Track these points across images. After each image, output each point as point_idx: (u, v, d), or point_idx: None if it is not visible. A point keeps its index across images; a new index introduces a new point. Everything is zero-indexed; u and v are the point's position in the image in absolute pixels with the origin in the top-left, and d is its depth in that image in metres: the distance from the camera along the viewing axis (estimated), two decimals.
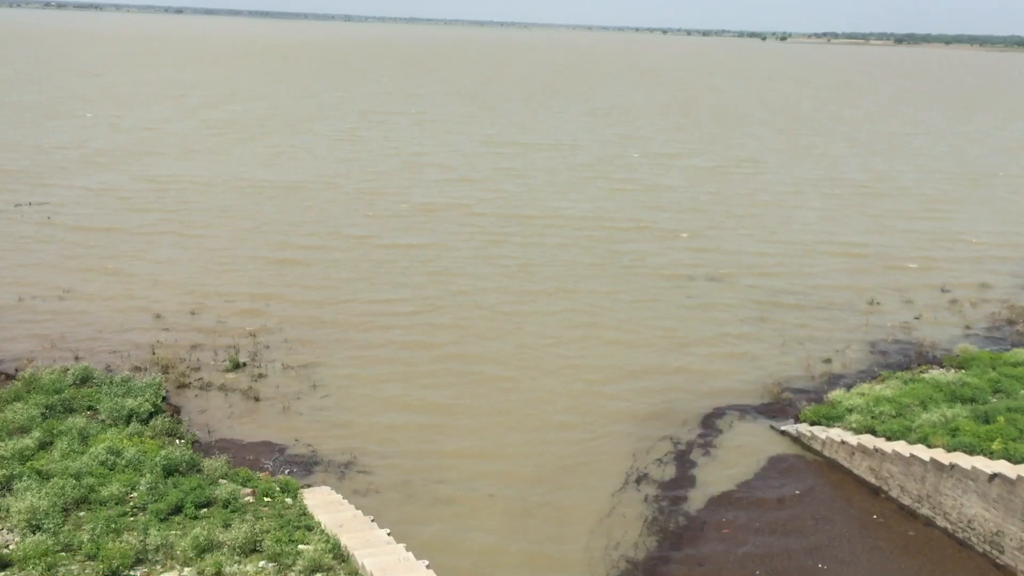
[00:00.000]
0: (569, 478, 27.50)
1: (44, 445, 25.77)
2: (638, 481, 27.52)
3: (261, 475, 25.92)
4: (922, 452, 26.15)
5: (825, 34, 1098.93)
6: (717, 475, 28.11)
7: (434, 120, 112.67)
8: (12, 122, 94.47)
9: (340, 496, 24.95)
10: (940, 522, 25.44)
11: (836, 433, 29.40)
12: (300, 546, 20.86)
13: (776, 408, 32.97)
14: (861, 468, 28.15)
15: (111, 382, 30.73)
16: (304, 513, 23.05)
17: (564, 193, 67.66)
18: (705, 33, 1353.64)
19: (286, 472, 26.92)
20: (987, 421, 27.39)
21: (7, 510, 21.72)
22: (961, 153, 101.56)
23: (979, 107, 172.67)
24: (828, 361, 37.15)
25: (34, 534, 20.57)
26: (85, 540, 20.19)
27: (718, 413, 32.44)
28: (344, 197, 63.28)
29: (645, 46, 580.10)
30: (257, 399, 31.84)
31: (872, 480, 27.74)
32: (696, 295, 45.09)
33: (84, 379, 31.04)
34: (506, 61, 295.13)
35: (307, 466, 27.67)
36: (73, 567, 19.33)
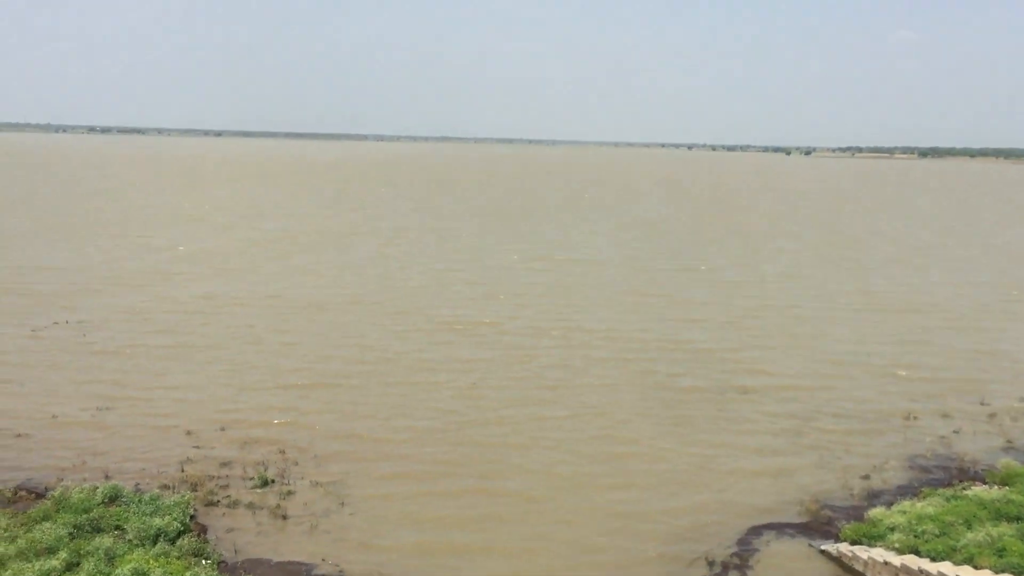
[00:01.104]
0: None
1: (71, 566, 25.63)
2: None
3: None
4: (969, 574, 25.20)
5: (849, 148, 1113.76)
6: None
7: (462, 236, 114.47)
8: (49, 243, 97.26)
9: None
10: None
11: (878, 553, 28.46)
12: None
13: (814, 526, 32.06)
14: None
15: (140, 500, 30.69)
16: None
17: (593, 309, 67.84)
18: (730, 148, 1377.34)
19: None
20: None
21: None
22: (994, 265, 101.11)
23: (1011, 219, 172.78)
24: (867, 477, 36.27)
25: None
26: None
27: (754, 532, 31.58)
28: (372, 314, 63.84)
29: (671, 161, 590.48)
30: (285, 517, 31.53)
31: None
32: (728, 410, 44.54)
33: (113, 497, 31.01)
34: (534, 177, 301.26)
35: None
36: None
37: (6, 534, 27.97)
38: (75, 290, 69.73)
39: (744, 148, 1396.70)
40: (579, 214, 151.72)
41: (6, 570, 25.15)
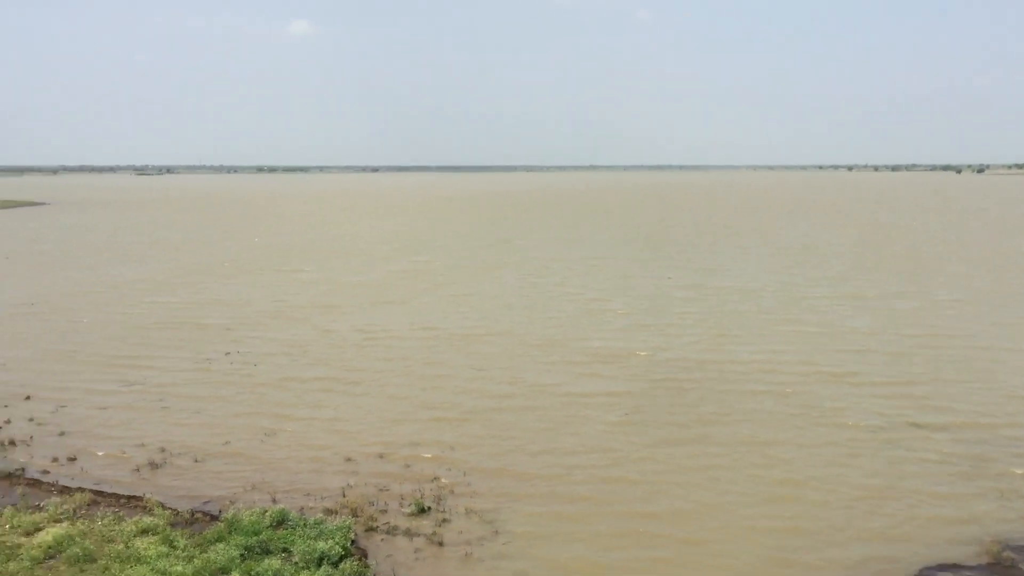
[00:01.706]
0: None
1: None
2: None
3: None
4: None
5: None
6: None
7: (611, 265, 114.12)
8: (219, 278, 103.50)
9: None
10: None
11: None
12: None
13: (997, 570, 29.87)
14: None
15: (304, 524, 31.98)
16: None
17: (749, 339, 65.99)
18: (894, 168, 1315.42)
19: None
20: None
21: None
22: None
23: None
24: None
25: None
26: None
27: (928, 573, 29.71)
28: (522, 345, 64.33)
29: (829, 184, 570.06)
30: (441, 544, 32.08)
31: None
32: (897, 445, 42.24)
33: (280, 521, 32.44)
34: (685, 203, 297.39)
35: None
36: None
37: (184, 554, 29.74)
38: (241, 323, 73.79)
39: (909, 167, 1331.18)
40: (732, 240, 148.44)
41: None
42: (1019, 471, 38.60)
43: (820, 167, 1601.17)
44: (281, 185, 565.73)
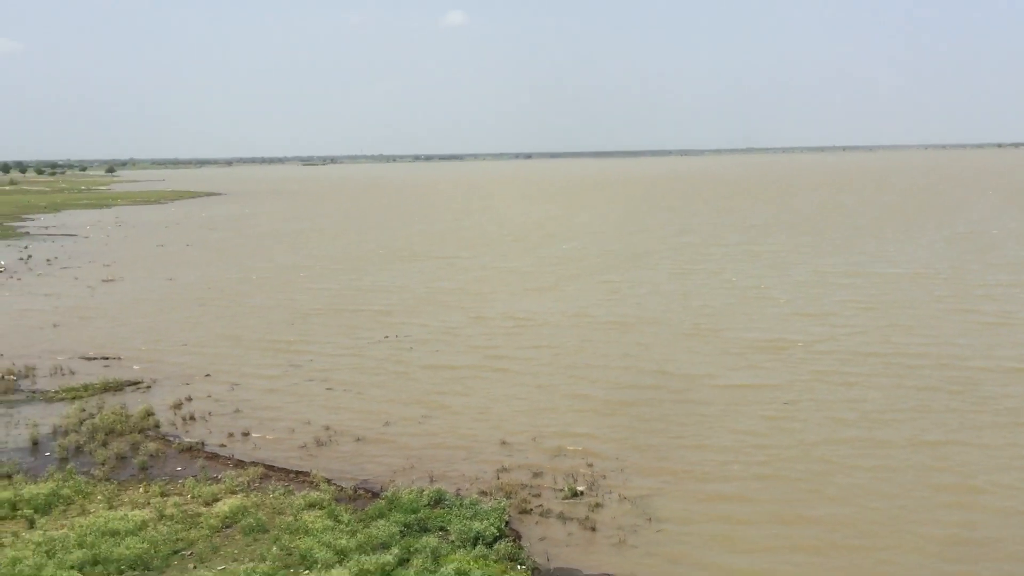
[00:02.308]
0: None
1: (402, 561, 27.88)
2: None
3: None
4: None
5: None
6: None
7: (767, 250, 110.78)
8: (378, 265, 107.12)
9: None
10: None
11: None
12: None
13: None
14: None
15: (460, 504, 32.79)
16: None
17: (919, 329, 62.45)
18: None
19: None
20: None
21: None
22: None
23: None
24: None
25: None
26: None
27: None
28: (674, 333, 63.25)
29: (990, 162, 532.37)
30: (594, 529, 32.16)
31: None
32: None
33: (437, 500, 33.39)
34: (846, 186, 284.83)
35: None
36: None
37: (348, 528, 31.09)
38: (398, 309, 76.16)
39: None
40: (899, 225, 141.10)
41: (349, 560, 27.94)
42: None
43: (999, 145, 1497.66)
44: (436, 173, 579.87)
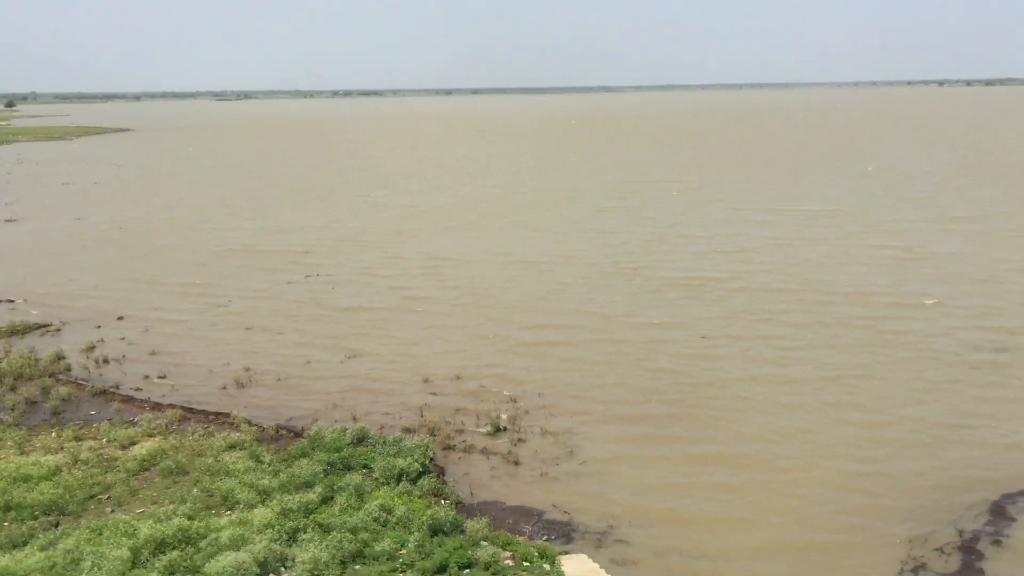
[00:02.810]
0: (837, 560, 25.67)
1: (325, 500, 27.89)
2: (915, 571, 25.16)
3: (520, 539, 26.41)
4: None
5: None
6: (1013, 571, 25.09)
7: (688, 189, 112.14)
8: (297, 204, 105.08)
9: (597, 565, 24.88)
10: None
11: None
12: None
13: None
14: None
15: (384, 442, 32.84)
16: None
17: (831, 266, 64.25)
18: (988, 82, 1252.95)
19: (543, 538, 27.23)
20: None
21: (293, 559, 23.56)
22: None
23: None
24: None
25: None
26: None
27: (1009, 499, 29.12)
28: (596, 272, 63.90)
29: (918, 100, 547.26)
30: (517, 463, 32.62)
31: None
32: (981, 370, 41.13)
33: (360, 439, 33.36)
34: (762, 124, 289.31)
35: (565, 532, 27.83)
36: None
37: (270, 468, 30.90)
38: (318, 249, 75.12)
39: (1004, 82, 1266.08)
40: (816, 163, 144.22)
41: (272, 500, 27.80)
42: None
43: (908, 83, 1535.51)
44: (355, 109, 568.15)
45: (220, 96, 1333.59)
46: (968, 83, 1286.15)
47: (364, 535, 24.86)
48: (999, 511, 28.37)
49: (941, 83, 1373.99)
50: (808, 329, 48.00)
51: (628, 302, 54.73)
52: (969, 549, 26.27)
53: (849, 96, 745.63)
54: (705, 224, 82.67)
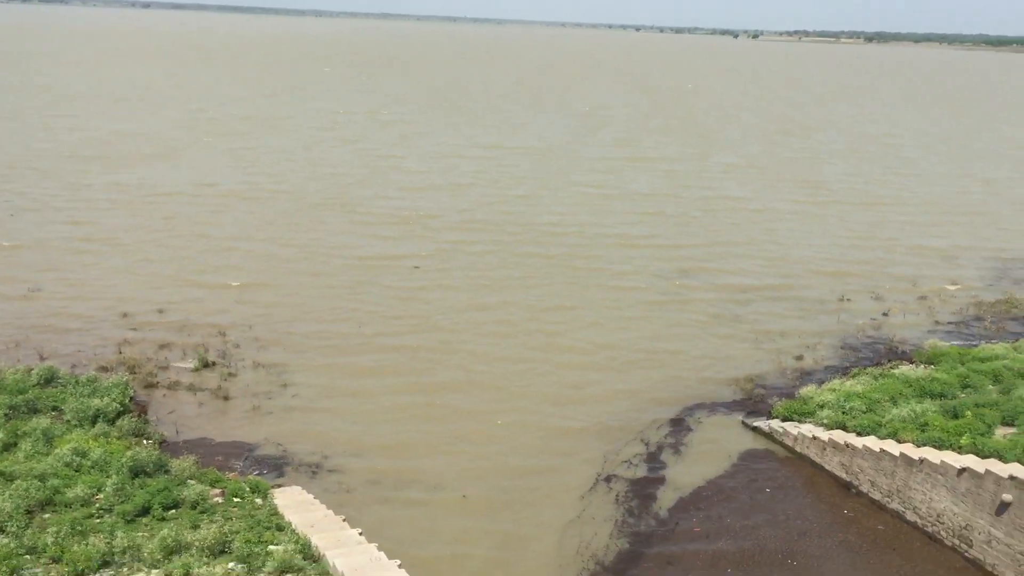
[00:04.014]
0: (539, 480, 27.37)
1: (7, 447, 25.26)
2: (608, 481, 27.45)
3: (230, 475, 25.61)
4: (892, 447, 26.33)
5: (796, 32, 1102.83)
6: (688, 474, 28.14)
7: (402, 122, 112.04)
8: None
9: (311, 496, 24.70)
10: (910, 516, 25.64)
11: (808, 429, 29.56)
12: (270, 547, 20.59)
13: (749, 405, 33.09)
14: (832, 463, 28.31)
15: (76, 382, 30.25)
16: (274, 513, 22.77)
17: (539, 201, 67.11)
18: (678, 30, 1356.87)
19: (256, 473, 26.63)
20: (956, 416, 27.62)
21: None
22: (938, 155, 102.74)
23: (962, 108, 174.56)
24: (800, 358, 37.37)
25: None
26: (49, 543, 19.78)
27: (688, 411, 32.48)
28: (308, 205, 61.77)
29: (619, 43, 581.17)
30: (227, 398, 31.49)
31: (843, 475, 27.91)
32: (669, 295, 45.18)
33: (49, 379, 30.50)
34: (479, 59, 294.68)
35: (278, 466, 27.39)
36: (37, 570, 18.96)
37: None
38: None
39: (692, 30, 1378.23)
40: (525, 102, 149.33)
41: None
42: (773, 318, 42.51)
43: (609, 27, 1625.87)
44: (34, 19, 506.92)
45: None
46: (661, 30, 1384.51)
47: (55, 482, 22.85)
48: (678, 424, 31.52)
49: (638, 28, 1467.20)
50: (514, 263, 49.74)
51: (339, 236, 53.71)
52: (653, 458, 29.05)
53: (558, 34, 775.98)
54: (417, 158, 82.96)
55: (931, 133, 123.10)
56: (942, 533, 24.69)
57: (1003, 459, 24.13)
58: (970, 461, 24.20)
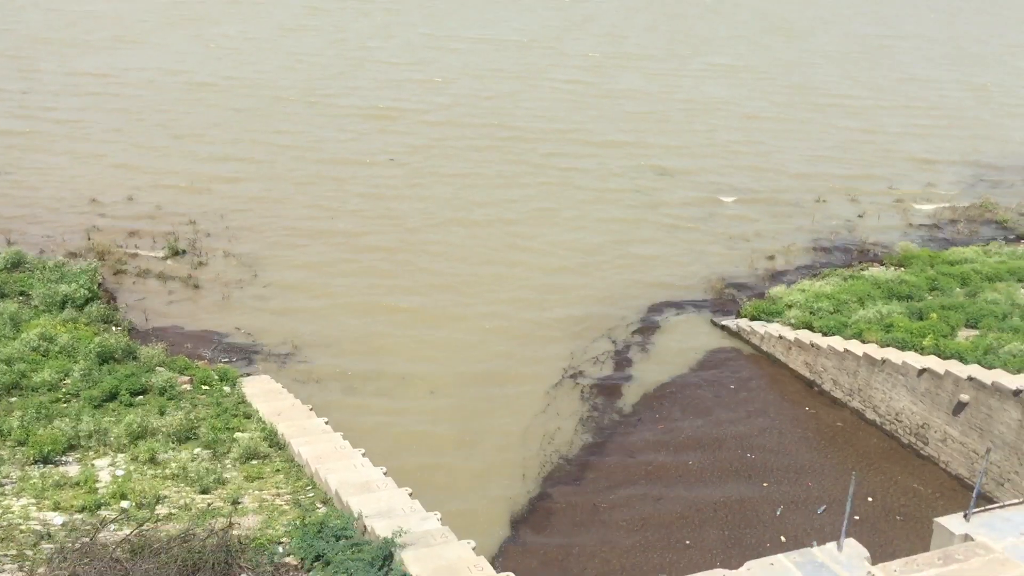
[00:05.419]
0: (506, 375, 27.62)
1: None
2: (574, 378, 27.76)
3: (199, 363, 25.64)
4: (856, 347, 26.70)
5: None
6: (653, 371, 28.50)
7: (380, 9, 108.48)
8: None
9: (279, 385, 24.85)
10: (869, 415, 26.21)
11: (775, 328, 29.87)
12: (236, 434, 20.81)
13: (718, 304, 33.34)
14: (797, 362, 28.74)
15: (44, 267, 29.96)
16: (242, 401, 22.93)
17: (522, 101, 65.23)
18: None
19: (225, 361, 26.73)
20: (921, 318, 27.98)
21: None
22: (933, 59, 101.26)
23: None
24: (772, 258, 37.47)
25: None
26: (15, 426, 19.83)
27: (658, 309, 32.68)
28: (280, 97, 59.16)
29: None
30: (197, 287, 31.38)
31: (807, 374, 28.38)
32: (643, 192, 44.83)
33: (16, 263, 30.17)
34: None
35: (247, 355, 27.51)
36: (3, 453, 19.07)
37: None
38: None
39: None
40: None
41: None
42: (745, 216, 42.42)
43: None
44: None
45: None
46: None
47: (21, 366, 22.82)
48: (647, 323, 31.72)
49: None
50: (488, 163, 48.03)
51: (314, 131, 52.02)
52: (620, 356, 29.36)
53: None
54: (394, 50, 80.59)
55: (935, 39, 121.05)
56: (899, 431, 25.30)
57: (964, 360, 24.53)
58: (931, 362, 24.60)
